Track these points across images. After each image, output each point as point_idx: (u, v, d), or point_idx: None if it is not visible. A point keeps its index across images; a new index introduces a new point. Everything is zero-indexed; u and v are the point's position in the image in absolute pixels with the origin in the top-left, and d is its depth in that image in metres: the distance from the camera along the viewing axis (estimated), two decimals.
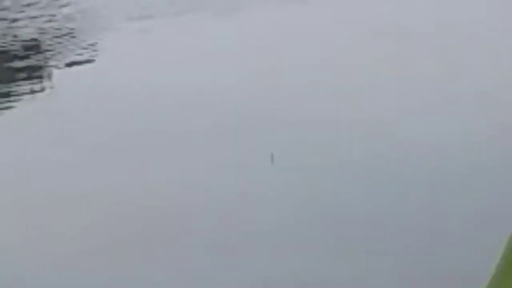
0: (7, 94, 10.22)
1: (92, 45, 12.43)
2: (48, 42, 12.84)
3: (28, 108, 9.49)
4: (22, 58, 12.06)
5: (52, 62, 11.63)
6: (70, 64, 11.28)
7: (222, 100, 8.69)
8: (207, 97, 8.98)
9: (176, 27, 12.81)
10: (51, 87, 10.28)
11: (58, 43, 12.67)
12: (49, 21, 14.89)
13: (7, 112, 9.41)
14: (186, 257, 5.70)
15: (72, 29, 13.53)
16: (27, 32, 13.66)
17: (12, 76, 11.06)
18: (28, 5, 16.53)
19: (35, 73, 11.13)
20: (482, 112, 8.11)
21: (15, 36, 13.22)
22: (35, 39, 12.98)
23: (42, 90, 10.19)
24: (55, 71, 11.14)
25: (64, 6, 15.63)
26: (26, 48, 12.48)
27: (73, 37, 12.94)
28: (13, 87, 10.41)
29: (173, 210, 6.39)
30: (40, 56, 12.08)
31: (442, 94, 8.59)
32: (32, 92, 10.13)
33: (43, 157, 7.61)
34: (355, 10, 12.93)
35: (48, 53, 12.18)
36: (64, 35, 13.15)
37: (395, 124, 8.06)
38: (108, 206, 6.61)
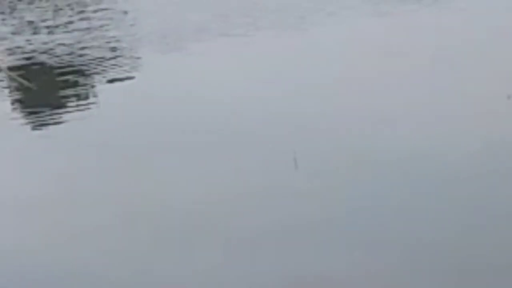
0: (55, 107, 10.53)
1: (133, 63, 12.77)
2: (92, 59, 13.15)
3: (74, 121, 9.76)
4: (67, 74, 12.36)
5: (95, 78, 11.96)
6: (112, 81, 11.63)
7: (266, 115, 8.79)
8: (248, 109, 9.09)
9: (222, 46, 13.11)
10: (95, 102, 10.61)
11: (102, 60, 13.00)
12: (94, 39, 15.54)
13: (55, 125, 9.70)
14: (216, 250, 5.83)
15: (116, 48, 13.91)
16: (72, 49, 14.03)
17: (58, 91, 11.46)
18: (69, 22, 17.18)
19: (79, 88, 11.45)
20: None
21: (60, 53, 13.59)
22: (80, 56, 13.29)
23: (86, 104, 10.51)
24: (99, 86, 11.47)
25: (108, 26, 16.28)
26: (71, 64, 12.78)
27: (117, 55, 13.28)
28: (60, 101, 10.82)
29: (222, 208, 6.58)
30: (84, 72, 12.42)
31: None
32: (78, 106, 10.46)
33: (93, 168, 7.85)
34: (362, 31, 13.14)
35: (92, 69, 12.47)
36: (108, 53, 13.52)
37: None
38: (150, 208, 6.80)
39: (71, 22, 17.29)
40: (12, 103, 11.66)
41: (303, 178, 7.06)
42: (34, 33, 15.97)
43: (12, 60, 13.67)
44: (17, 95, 11.98)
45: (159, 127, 9.12)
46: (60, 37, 15.28)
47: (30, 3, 20.69)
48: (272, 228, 6.16)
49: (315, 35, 13.34)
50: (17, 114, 10.92)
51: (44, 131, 9.68)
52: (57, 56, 13.58)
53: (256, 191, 6.95)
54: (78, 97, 11.06)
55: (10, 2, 21.58)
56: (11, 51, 14.37)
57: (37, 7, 20.41)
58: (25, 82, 7.06)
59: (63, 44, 14.46)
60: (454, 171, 6.93)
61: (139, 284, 5.58)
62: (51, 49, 14.18)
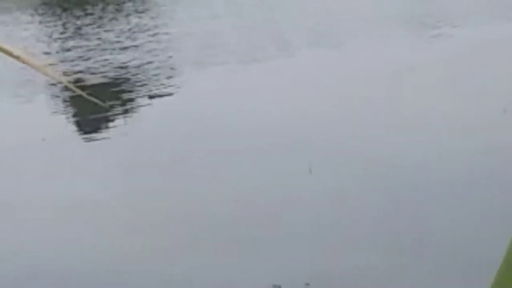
0: (99, 121, 11.04)
1: (171, 80, 13.29)
2: (133, 76, 13.79)
3: (117, 134, 10.14)
4: (109, 89, 13.06)
5: (136, 94, 12.43)
6: (152, 96, 12.09)
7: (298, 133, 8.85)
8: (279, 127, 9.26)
9: (255, 70, 13.52)
10: (137, 115, 11.10)
11: (142, 77, 13.62)
12: (134, 59, 16.08)
13: (99, 138, 10.11)
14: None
15: (156, 66, 14.45)
16: (114, 66, 14.75)
17: (102, 107, 11.51)
18: (113, 43, 17.76)
19: (122, 102, 11.96)
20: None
21: (104, 71, 14.29)
22: (121, 73, 13.97)
23: (129, 117, 10.99)
24: (139, 101, 11.93)
25: (148, 48, 16.84)
26: (113, 82, 13.45)
27: (157, 73, 13.85)
28: (104, 116, 11.14)
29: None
30: (125, 88, 12.99)
31: None
32: (121, 119, 10.96)
33: (134, 181, 8.01)
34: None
35: (133, 85, 13.03)
36: (148, 70, 14.09)
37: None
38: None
39: (119, 42, 17.89)
40: (69, 116, 12.25)
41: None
42: (96, 52, 16.54)
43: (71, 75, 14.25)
44: (73, 108, 12.59)
45: (196, 136, 9.41)
46: (112, 57, 15.80)
47: (98, 26, 21.37)
48: (295, 226, 6.41)
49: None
50: (75, 126, 11.47)
51: (98, 137, 10.11)
52: (104, 73, 14.15)
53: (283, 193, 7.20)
54: (127, 108, 11.60)
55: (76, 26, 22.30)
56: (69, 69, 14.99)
57: (101, 30, 21.08)
58: (99, 102, 7.43)
59: (112, 63, 15.01)
60: (453, 177, 7.10)
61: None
62: (104, 66, 14.78)
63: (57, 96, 13.48)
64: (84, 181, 8.25)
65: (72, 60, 15.85)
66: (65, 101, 13.23)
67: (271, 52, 14.71)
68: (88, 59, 16.04)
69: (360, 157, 7.89)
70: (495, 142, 7.79)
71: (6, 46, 1.50)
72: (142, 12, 25.60)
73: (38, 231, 6.98)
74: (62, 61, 15.73)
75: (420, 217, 6.40)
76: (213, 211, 6.93)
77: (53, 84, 13.63)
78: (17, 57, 1.49)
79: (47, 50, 17.98)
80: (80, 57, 16.40)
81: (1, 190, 8.35)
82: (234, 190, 7.37)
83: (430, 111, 9.37)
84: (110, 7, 26.52)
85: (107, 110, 11.43)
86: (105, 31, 20.43)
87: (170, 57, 15.73)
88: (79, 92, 10.43)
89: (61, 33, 21.02)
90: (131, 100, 12.27)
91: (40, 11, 31.62)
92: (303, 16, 18.31)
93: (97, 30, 20.96)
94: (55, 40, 19.71)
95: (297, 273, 5.53)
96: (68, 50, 17.26)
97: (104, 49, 17.22)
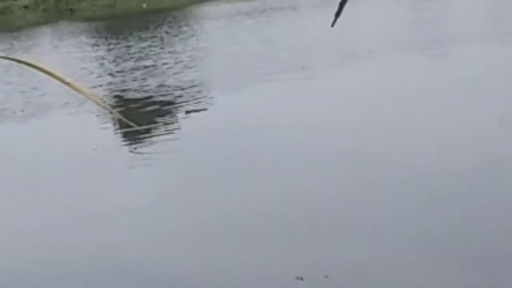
0: (144, 132, 11.06)
1: (207, 97, 13.53)
2: (175, 92, 13.95)
3: (162, 145, 10.19)
4: (154, 105, 13.27)
5: (177, 109, 12.61)
6: (189, 111, 12.26)
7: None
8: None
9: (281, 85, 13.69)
10: (178, 129, 11.22)
11: (182, 94, 13.80)
12: (176, 73, 16.32)
13: (145, 149, 10.13)
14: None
15: (194, 84, 14.66)
16: (157, 83, 15.00)
17: (147, 120, 12.00)
18: (152, 65, 18.01)
19: (164, 117, 12.11)
20: None
21: (147, 88, 14.54)
22: (164, 90, 14.12)
23: (171, 131, 11.07)
24: (180, 116, 12.11)
25: (189, 66, 17.02)
26: (156, 98, 13.66)
27: (195, 90, 14.03)
28: (148, 129, 11.26)
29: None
30: (168, 104, 13.14)
31: None
32: (165, 132, 11.03)
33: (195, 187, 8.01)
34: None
35: (174, 101, 13.20)
36: (187, 88, 14.31)
37: None
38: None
39: (157, 61, 18.16)
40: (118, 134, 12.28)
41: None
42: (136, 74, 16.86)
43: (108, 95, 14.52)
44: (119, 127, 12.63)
45: (232, 148, 9.50)
46: (148, 79, 16.08)
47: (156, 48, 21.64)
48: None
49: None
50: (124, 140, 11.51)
51: (142, 150, 10.12)
52: (145, 91, 14.41)
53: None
54: (166, 124, 11.66)
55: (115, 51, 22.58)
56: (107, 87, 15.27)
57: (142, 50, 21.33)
58: (130, 123, 7.63)
59: (156, 83, 15.29)
60: (452, 184, 7.11)
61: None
62: (143, 85, 15.02)
63: (109, 107, 13.67)
64: (131, 186, 8.39)
65: (124, 81, 16.01)
66: (115, 111, 13.39)
67: (297, 71, 14.80)
68: (141, 79, 15.99)
69: (383, 163, 8.00)
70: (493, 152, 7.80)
71: (59, 73, 1.62)
72: (188, 37, 25.85)
73: (94, 230, 7.08)
74: (115, 82, 15.88)
75: (432, 215, 6.42)
76: (247, 213, 7.04)
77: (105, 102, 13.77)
78: (67, 83, 1.60)
79: (101, 70, 18.23)
80: (132, 76, 16.52)
81: (62, 192, 8.50)
82: (268, 194, 7.47)
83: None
84: (164, 35, 26.78)
85: (151, 123, 11.64)
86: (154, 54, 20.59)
87: (209, 75, 15.81)
88: (119, 116, 10.67)
89: (118, 56, 21.27)
90: (172, 114, 12.44)
91: (103, 34, 32.01)
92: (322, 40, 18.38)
93: (155, 51, 21.11)
94: (113, 61, 19.97)
95: (317, 267, 5.57)
96: (120, 72, 17.50)
97: (153, 70, 17.40)
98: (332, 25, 1.40)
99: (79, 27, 41.92)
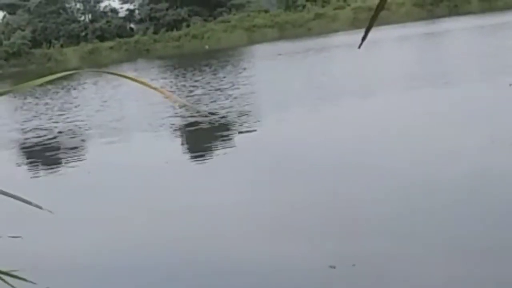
0: (204, 150, 11.22)
1: (257, 120, 13.52)
2: (230, 116, 14.04)
3: (220, 159, 10.16)
4: (211, 126, 13.30)
5: (231, 130, 12.56)
6: (241, 132, 12.25)
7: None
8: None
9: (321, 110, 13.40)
10: (233, 146, 11.02)
11: (236, 117, 13.87)
12: (230, 98, 16.29)
13: (204, 164, 10.08)
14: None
15: (247, 110, 14.71)
16: (214, 108, 15.03)
17: (204, 139, 12.11)
18: (212, 92, 17.88)
19: (220, 137, 12.03)
20: None
21: (205, 113, 14.60)
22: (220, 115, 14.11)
23: (228, 147, 10.96)
24: (234, 136, 12.03)
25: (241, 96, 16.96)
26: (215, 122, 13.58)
27: (246, 115, 14.04)
28: (207, 147, 11.36)
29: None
30: (223, 125, 13.16)
31: None
32: (222, 148, 10.96)
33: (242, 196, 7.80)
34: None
35: (230, 124, 13.21)
36: (240, 112, 14.34)
37: None
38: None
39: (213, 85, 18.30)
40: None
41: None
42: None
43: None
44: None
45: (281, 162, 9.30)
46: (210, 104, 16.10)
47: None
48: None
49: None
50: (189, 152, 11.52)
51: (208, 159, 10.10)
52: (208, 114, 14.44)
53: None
54: (224, 142, 11.53)
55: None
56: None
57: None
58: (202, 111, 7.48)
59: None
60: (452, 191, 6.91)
61: None
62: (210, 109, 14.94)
63: (178, 129, 13.77)
64: (200, 192, 8.31)
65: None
66: (182, 132, 13.55)
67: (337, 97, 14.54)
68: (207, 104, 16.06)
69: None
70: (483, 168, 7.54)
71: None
72: (241, 71, 25.92)
73: (175, 229, 6.99)
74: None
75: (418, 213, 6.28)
76: (292, 214, 6.94)
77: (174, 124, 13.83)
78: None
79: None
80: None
81: (140, 199, 8.43)
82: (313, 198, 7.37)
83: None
84: (221, 69, 26.95)
85: (213, 139, 11.59)
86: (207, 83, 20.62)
87: (256, 101, 15.78)
88: (189, 105, 10.60)
89: (184, 85, 21.42)
90: (227, 134, 12.35)
91: (169, 70, 32.39)
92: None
93: (214, 81, 21.09)
94: (178, 90, 20.16)
95: (347, 257, 5.54)
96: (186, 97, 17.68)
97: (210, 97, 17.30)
98: (359, 47, 1.52)
99: (154, 63, 42.50)
